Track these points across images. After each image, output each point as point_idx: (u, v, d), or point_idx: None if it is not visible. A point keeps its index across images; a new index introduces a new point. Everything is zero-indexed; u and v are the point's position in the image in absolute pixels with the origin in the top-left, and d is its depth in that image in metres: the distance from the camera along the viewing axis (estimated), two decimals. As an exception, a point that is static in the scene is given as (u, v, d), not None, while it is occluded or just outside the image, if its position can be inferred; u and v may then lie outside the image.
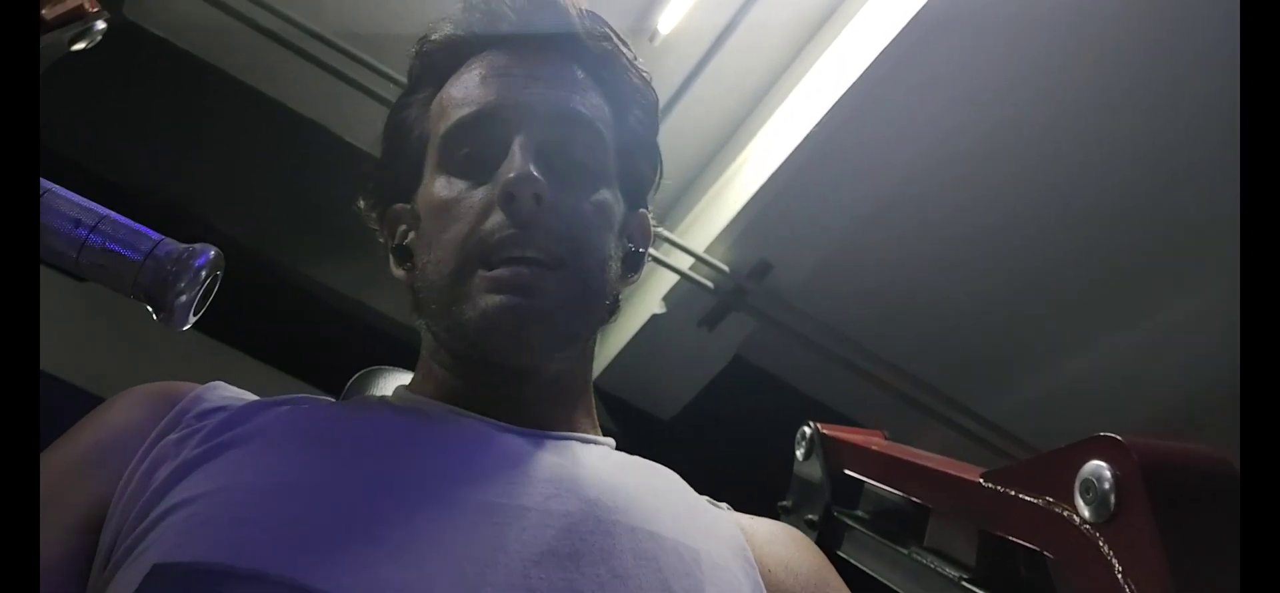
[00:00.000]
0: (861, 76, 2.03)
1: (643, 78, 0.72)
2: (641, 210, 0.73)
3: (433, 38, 0.70)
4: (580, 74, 0.68)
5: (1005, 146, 2.19)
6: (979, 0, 1.88)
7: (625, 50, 0.71)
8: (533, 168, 0.60)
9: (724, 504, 0.69)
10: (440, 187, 0.64)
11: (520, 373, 0.63)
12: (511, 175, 0.59)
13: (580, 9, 0.69)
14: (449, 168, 0.64)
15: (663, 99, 0.79)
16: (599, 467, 0.60)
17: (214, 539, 0.50)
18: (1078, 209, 2.31)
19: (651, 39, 2.26)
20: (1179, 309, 2.45)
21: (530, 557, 0.51)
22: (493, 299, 0.59)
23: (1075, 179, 2.25)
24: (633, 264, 0.72)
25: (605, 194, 0.66)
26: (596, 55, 0.69)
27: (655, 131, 0.74)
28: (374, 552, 0.49)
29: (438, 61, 0.69)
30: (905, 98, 2.06)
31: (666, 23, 2.26)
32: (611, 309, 0.70)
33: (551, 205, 0.60)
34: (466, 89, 0.66)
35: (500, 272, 0.59)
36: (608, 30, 0.70)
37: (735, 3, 2.25)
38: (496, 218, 0.60)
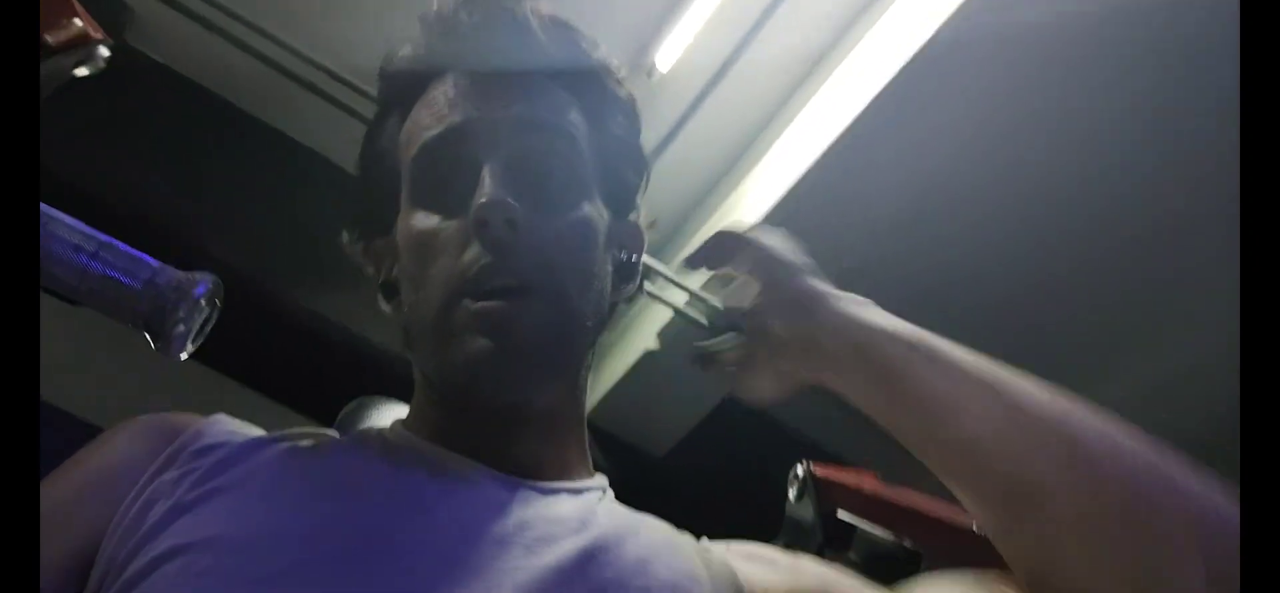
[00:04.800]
0: (858, 117, 2.04)
1: (617, 79, 0.70)
2: (631, 216, 0.71)
3: (394, 61, 0.68)
4: (548, 83, 0.65)
5: (1001, 190, 2.20)
6: (976, 42, 1.91)
7: (596, 54, 0.69)
8: (504, 192, 0.58)
9: (714, 544, 0.68)
10: (417, 221, 0.62)
11: (509, 411, 0.62)
12: (482, 201, 0.58)
13: (541, 16, 0.66)
14: (422, 200, 0.63)
15: (660, 135, 0.79)
16: (591, 521, 0.60)
17: (208, 590, 0.49)
18: (1072, 257, 2.32)
19: (649, 74, 2.27)
20: (1169, 364, 2.46)
21: None
22: (475, 342, 0.58)
23: (1072, 224, 2.26)
24: (626, 274, 0.70)
25: (586, 208, 0.64)
26: (564, 63, 0.66)
27: (637, 133, 0.71)
28: None
29: (401, 85, 0.68)
30: (900, 138, 2.08)
31: (665, 60, 2.28)
32: (606, 321, 0.68)
33: (527, 228, 0.59)
34: (431, 112, 0.64)
35: (482, 304, 0.58)
36: (574, 36, 0.68)
37: (734, 40, 2.27)
38: (474, 249, 0.59)
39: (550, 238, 0.60)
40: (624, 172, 0.70)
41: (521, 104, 0.63)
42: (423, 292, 0.61)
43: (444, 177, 0.62)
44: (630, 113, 0.70)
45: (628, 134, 0.70)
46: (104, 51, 1.34)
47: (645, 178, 0.72)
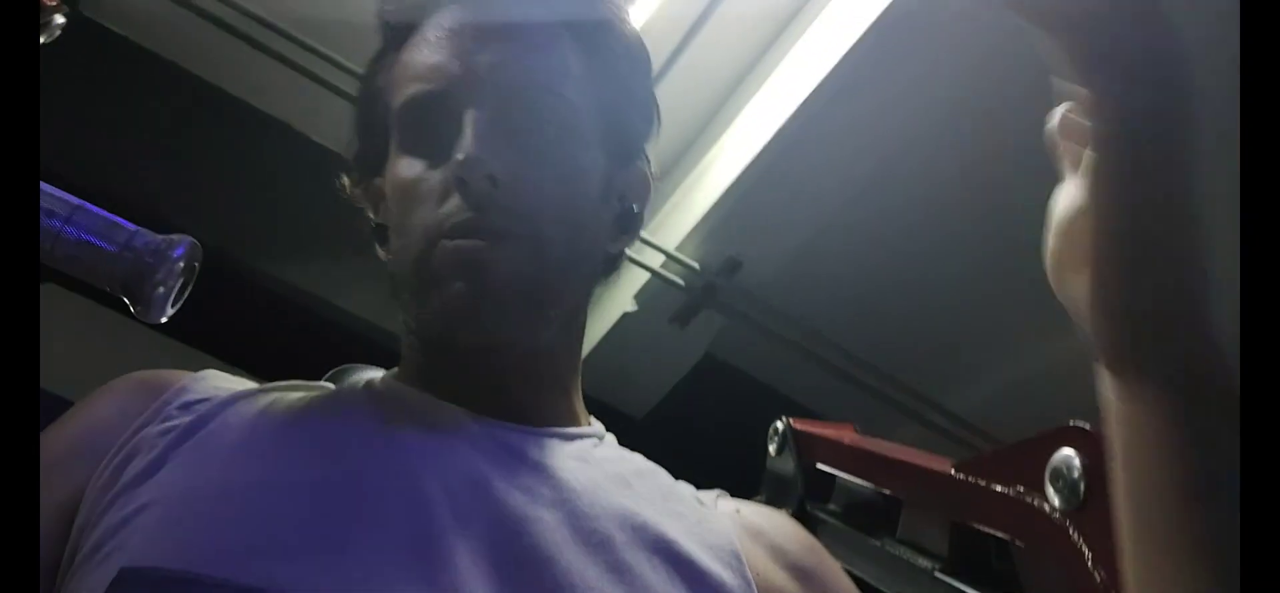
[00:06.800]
0: (831, 73, 2.04)
1: (625, 24, 0.68)
2: (638, 164, 0.69)
3: (392, 2, 0.67)
4: (548, 27, 0.63)
5: (974, 141, 2.21)
6: (946, -1, 1.91)
7: (607, 1, 0.68)
8: (483, 148, 0.57)
9: (714, 492, 0.66)
10: (402, 168, 0.62)
11: (491, 354, 0.61)
12: (460, 157, 0.57)
13: None
14: (407, 147, 0.62)
15: None
16: (580, 468, 0.60)
17: (183, 545, 0.49)
18: (1046, 203, 2.34)
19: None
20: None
21: (506, 563, 0.51)
22: (451, 286, 0.57)
23: (1046, 171, 2.28)
24: (627, 223, 0.69)
25: (578, 158, 0.63)
26: (566, 8, 0.65)
27: (646, 81, 0.70)
28: (344, 559, 0.49)
29: (398, 20, 0.66)
30: (874, 94, 2.08)
31: (636, 18, 2.26)
32: (606, 269, 0.68)
33: (509, 183, 0.58)
34: (418, 57, 0.62)
35: (458, 243, 0.57)
36: None
37: None
38: (454, 201, 0.58)
39: (534, 188, 0.60)
40: (629, 119, 0.68)
41: (513, 51, 0.61)
42: (403, 239, 0.61)
43: (429, 124, 0.61)
44: (638, 60, 0.69)
45: (634, 82, 0.69)
46: (59, 20, 1.29)
47: (654, 125, 0.71)
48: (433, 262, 0.58)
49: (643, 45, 0.69)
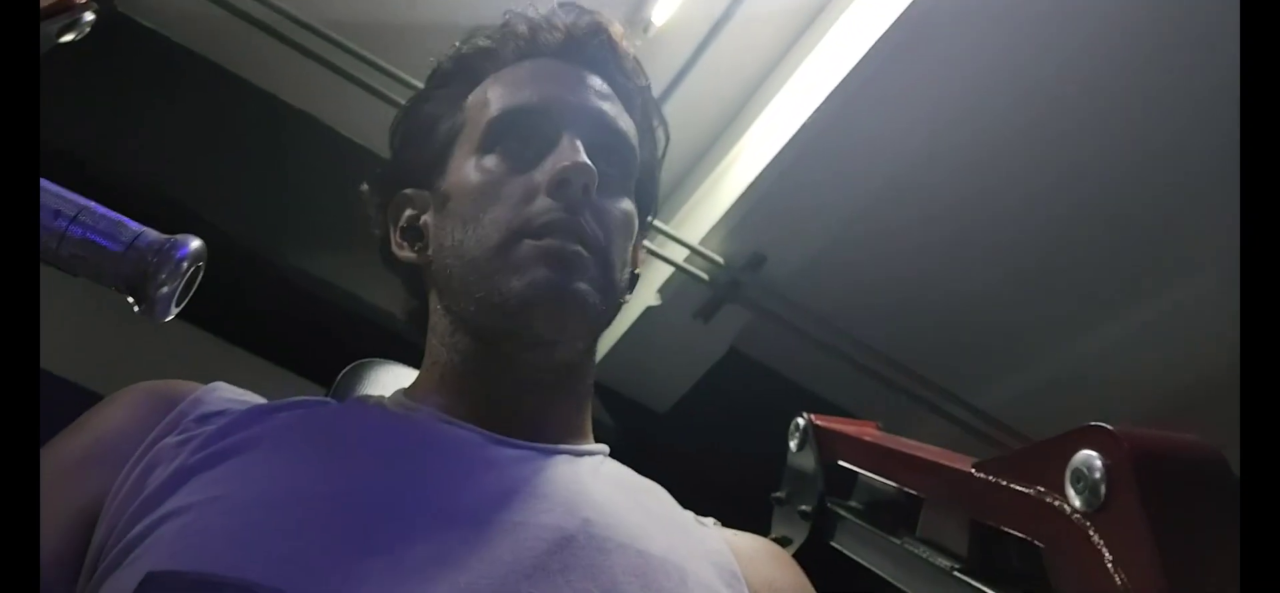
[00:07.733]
0: (855, 68, 2.02)
1: (661, 117, 0.77)
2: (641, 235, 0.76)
3: (475, 42, 0.73)
4: (614, 94, 0.72)
5: (999, 139, 2.19)
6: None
7: (651, 92, 0.76)
8: (587, 159, 0.63)
9: (710, 520, 0.69)
10: (480, 167, 0.66)
11: (539, 353, 0.64)
12: (567, 163, 0.62)
13: (621, 37, 0.73)
14: (491, 150, 0.66)
15: (656, 91, 0.81)
16: (591, 482, 0.61)
17: (210, 550, 0.50)
18: (1072, 199, 2.31)
19: (645, 30, 2.25)
20: (1172, 299, 2.46)
21: (521, 571, 0.52)
22: (540, 271, 0.61)
23: (1069, 170, 2.25)
24: (630, 283, 0.74)
25: (630, 206, 0.69)
26: (627, 85, 0.73)
27: (659, 171, 0.78)
28: (367, 566, 0.50)
29: (474, 64, 0.72)
30: (899, 90, 2.06)
31: (660, 14, 2.25)
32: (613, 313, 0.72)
33: (593, 201, 0.64)
34: (517, 83, 0.69)
35: (548, 242, 0.61)
36: (638, 66, 0.75)
37: (729, -6, 2.25)
38: (544, 202, 0.63)
39: (608, 216, 0.66)
40: (649, 193, 0.76)
41: (600, 101, 0.70)
42: (477, 231, 0.64)
43: (522, 136, 0.66)
44: (660, 149, 0.77)
45: (656, 166, 0.77)
46: (90, 17, 1.31)
47: (653, 211, 0.79)
48: (517, 254, 0.62)
49: (667, 133, 0.78)
